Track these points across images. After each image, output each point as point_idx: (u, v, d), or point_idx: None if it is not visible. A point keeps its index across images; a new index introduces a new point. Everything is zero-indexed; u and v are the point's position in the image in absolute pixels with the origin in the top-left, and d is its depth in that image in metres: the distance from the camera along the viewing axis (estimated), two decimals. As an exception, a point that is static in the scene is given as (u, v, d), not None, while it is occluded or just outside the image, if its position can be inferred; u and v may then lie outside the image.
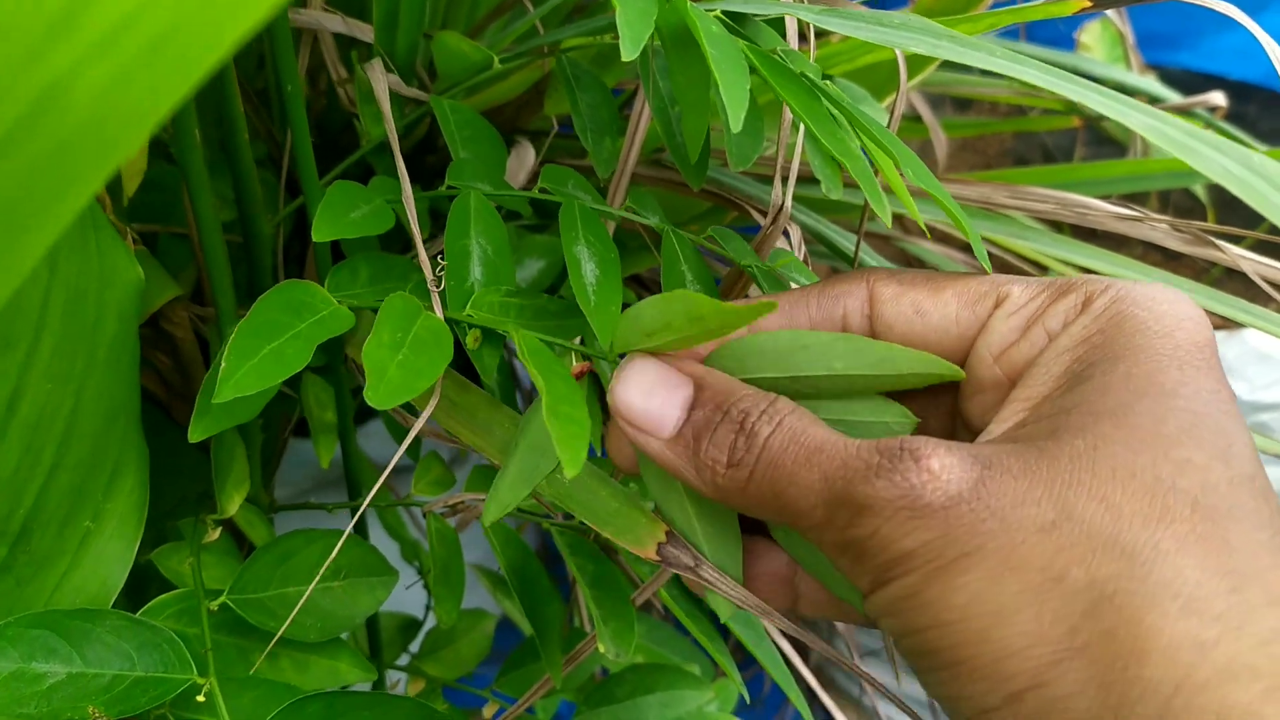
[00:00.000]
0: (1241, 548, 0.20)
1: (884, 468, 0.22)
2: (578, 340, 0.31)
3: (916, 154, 0.29)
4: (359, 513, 0.34)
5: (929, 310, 0.26)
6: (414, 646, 0.50)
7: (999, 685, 0.21)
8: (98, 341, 0.30)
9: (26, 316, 0.28)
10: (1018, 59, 0.24)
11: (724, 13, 0.29)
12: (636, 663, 0.48)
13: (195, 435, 0.30)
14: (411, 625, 0.51)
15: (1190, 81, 0.84)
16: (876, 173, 0.34)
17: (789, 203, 0.35)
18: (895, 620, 0.23)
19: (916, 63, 0.49)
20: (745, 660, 0.51)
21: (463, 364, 0.33)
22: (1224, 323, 0.62)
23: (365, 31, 0.41)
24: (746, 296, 0.36)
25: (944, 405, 0.28)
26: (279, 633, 0.32)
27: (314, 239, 0.31)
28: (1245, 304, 0.42)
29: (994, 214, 0.49)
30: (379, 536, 0.52)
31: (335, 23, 0.41)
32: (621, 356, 0.27)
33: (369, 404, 0.26)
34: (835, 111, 0.29)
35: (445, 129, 0.36)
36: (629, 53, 0.25)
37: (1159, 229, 0.39)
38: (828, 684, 0.81)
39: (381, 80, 0.35)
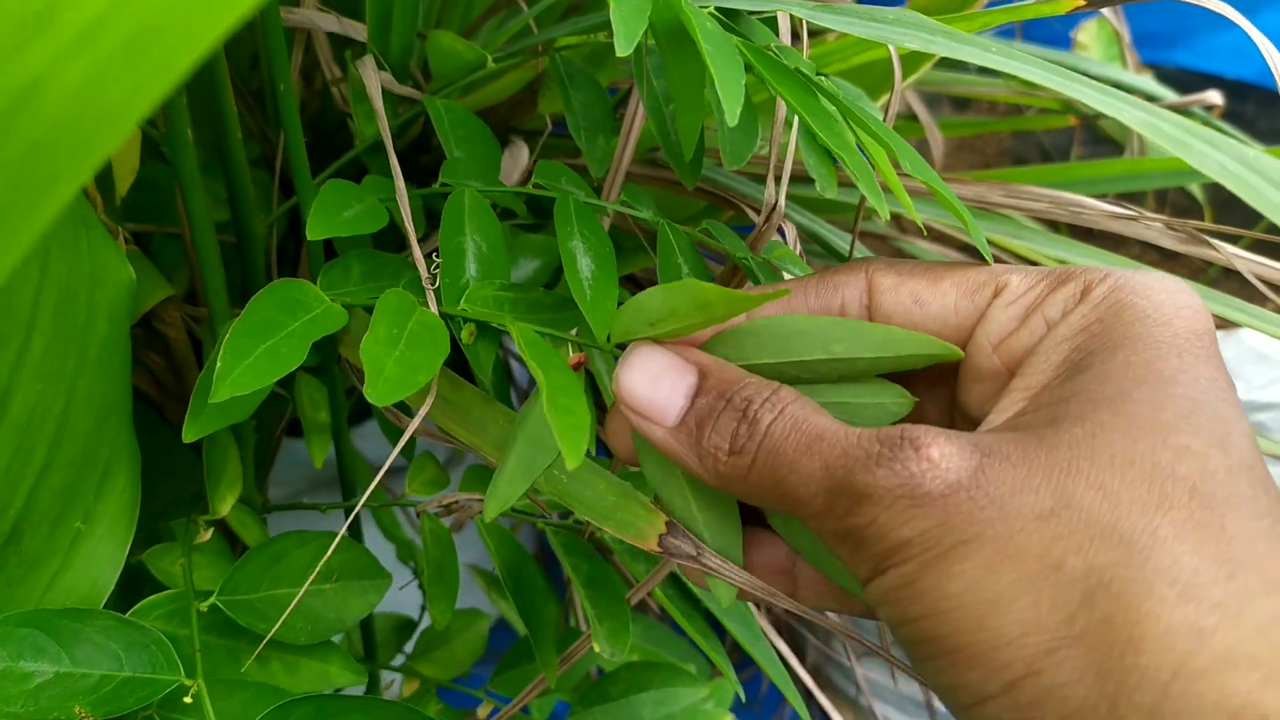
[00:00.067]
0: (1239, 535, 0.20)
1: (884, 456, 0.22)
2: (573, 333, 0.31)
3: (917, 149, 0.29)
4: (353, 514, 0.34)
5: (928, 300, 0.26)
6: (409, 647, 0.50)
7: (996, 673, 0.21)
8: (89, 341, 0.30)
9: (17, 316, 0.28)
10: (1012, 55, 0.24)
11: (718, 9, 0.29)
12: (631, 662, 0.48)
13: (190, 435, 0.30)
14: (407, 625, 0.51)
15: (1187, 80, 0.84)
16: (874, 170, 0.34)
17: (783, 201, 0.35)
18: (893, 609, 0.23)
19: (912, 61, 0.49)
20: (743, 660, 0.50)
21: (458, 364, 0.33)
22: (1221, 323, 0.62)
23: (359, 31, 0.41)
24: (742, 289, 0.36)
25: (943, 395, 0.28)
26: (268, 635, 0.32)
27: (308, 238, 0.30)
28: (1241, 304, 0.42)
29: (990, 213, 0.49)
30: (374, 537, 0.52)
31: (329, 22, 0.41)
32: (620, 347, 0.27)
33: (368, 400, 0.26)
34: (831, 107, 0.29)
35: (439, 128, 0.36)
36: (623, 49, 0.25)
37: (1154, 228, 0.39)
38: (825, 684, 0.81)
39: (374, 78, 0.35)
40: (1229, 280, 0.77)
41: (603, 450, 0.49)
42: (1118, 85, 0.24)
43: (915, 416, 0.27)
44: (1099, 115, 0.69)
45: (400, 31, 0.39)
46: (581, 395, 0.25)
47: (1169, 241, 0.39)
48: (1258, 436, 0.45)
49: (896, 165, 0.28)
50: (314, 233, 0.30)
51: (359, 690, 0.46)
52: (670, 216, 0.35)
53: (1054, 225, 0.63)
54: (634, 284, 0.52)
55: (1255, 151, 0.21)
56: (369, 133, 0.38)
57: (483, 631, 0.49)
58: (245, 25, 0.44)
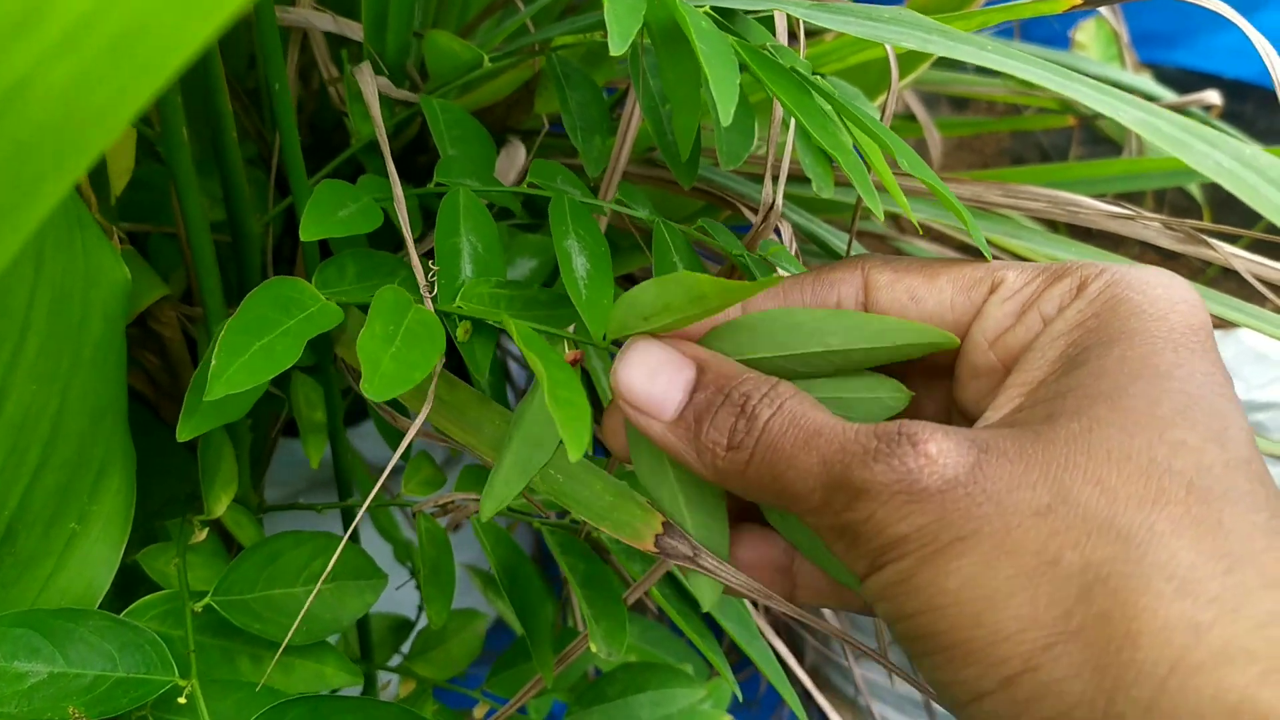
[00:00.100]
0: (1236, 530, 0.20)
1: (881, 452, 0.22)
2: (570, 330, 0.31)
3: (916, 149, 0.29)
4: (356, 520, 0.34)
5: (924, 296, 0.26)
6: (406, 647, 0.50)
7: (992, 669, 0.21)
8: (83, 341, 0.30)
9: (11, 316, 0.28)
10: (1008, 54, 0.24)
11: (713, 8, 0.29)
12: (629, 662, 0.48)
13: (184, 434, 0.30)
14: (403, 626, 0.51)
15: (1186, 80, 0.84)
16: (869, 170, 0.34)
17: (779, 201, 0.35)
18: (890, 605, 0.22)
19: (909, 61, 0.49)
20: (740, 660, 0.50)
21: (455, 365, 0.33)
22: (1220, 322, 0.62)
23: (355, 30, 0.41)
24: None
25: (940, 392, 0.28)
26: (265, 636, 0.32)
27: (302, 238, 0.30)
28: (1239, 303, 0.42)
29: (988, 213, 0.49)
30: (371, 537, 0.52)
31: (325, 21, 0.41)
32: (616, 344, 0.27)
33: (365, 396, 0.26)
34: (826, 106, 0.29)
35: (434, 127, 0.36)
36: (617, 48, 0.25)
37: (1151, 227, 0.39)
38: (823, 684, 0.81)
39: (369, 82, 0.35)
40: (1228, 280, 0.77)
41: (599, 450, 0.49)
42: (1116, 85, 0.24)
43: (912, 413, 0.27)
44: (1097, 115, 0.69)
45: (396, 31, 0.39)
46: (580, 388, 0.25)
47: (1167, 241, 0.39)
48: (1257, 436, 0.45)
49: (894, 164, 0.28)
50: (308, 233, 0.30)
51: (356, 691, 0.46)
52: (668, 216, 0.35)
53: (1053, 225, 0.63)
54: (631, 283, 0.52)
55: (1253, 149, 0.21)
56: (365, 132, 0.38)
57: (480, 632, 0.49)
58: (241, 24, 0.44)
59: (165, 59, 0.11)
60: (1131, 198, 0.79)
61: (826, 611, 0.65)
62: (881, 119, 0.38)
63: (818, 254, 0.46)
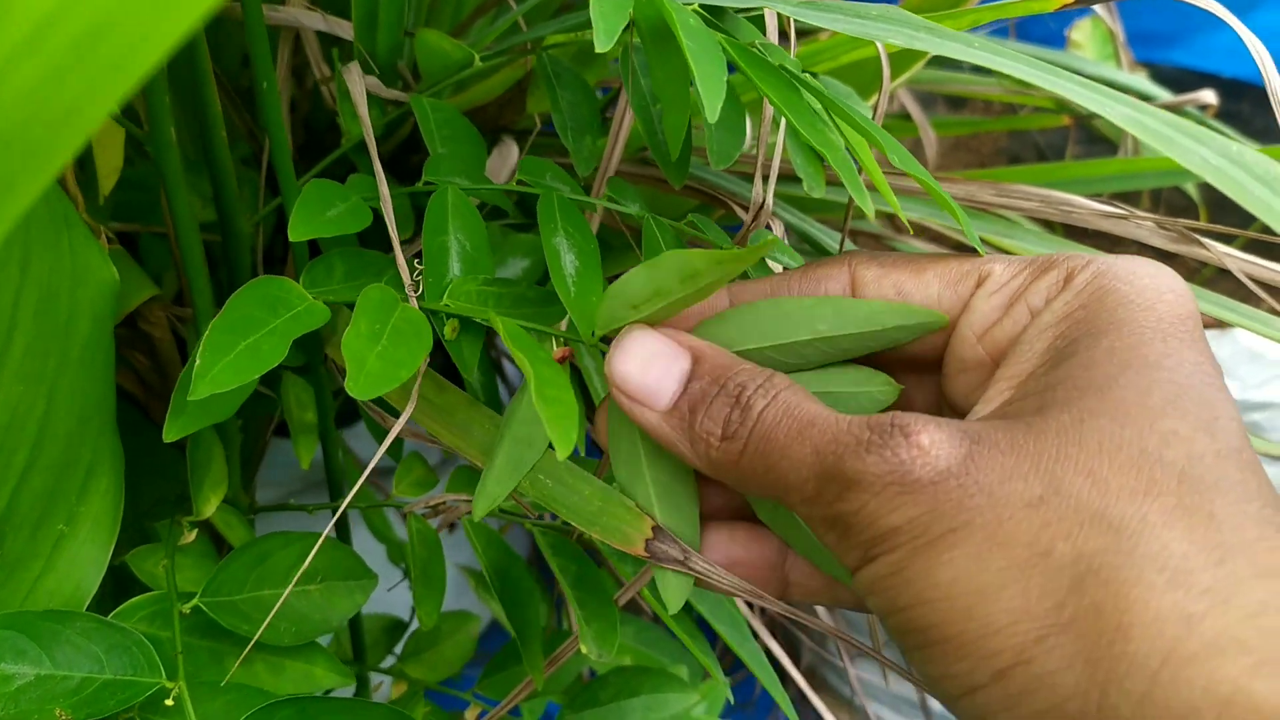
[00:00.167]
0: (1228, 520, 0.20)
1: (874, 443, 0.22)
2: (561, 326, 0.31)
3: (912, 148, 0.29)
4: (337, 514, 0.34)
5: (911, 291, 0.26)
6: (400, 648, 0.50)
7: (984, 662, 0.21)
8: (71, 341, 0.30)
9: (-3, 316, 0.28)
10: (996, 51, 0.24)
11: (702, 6, 0.29)
12: (623, 664, 0.47)
13: (171, 435, 0.30)
14: (397, 627, 0.51)
15: (1182, 79, 0.84)
16: (860, 170, 0.34)
17: (770, 200, 0.35)
18: (881, 598, 0.22)
19: (903, 60, 0.49)
20: (737, 662, 0.50)
21: (448, 367, 0.33)
22: (1215, 322, 0.61)
23: (346, 29, 0.41)
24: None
25: (929, 387, 0.28)
26: (254, 637, 0.31)
27: (290, 238, 0.30)
28: (1234, 303, 0.41)
29: (983, 213, 0.49)
30: (365, 538, 0.51)
31: (316, 20, 0.41)
32: (606, 340, 0.27)
33: (350, 394, 0.26)
34: (816, 104, 0.29)
35: (424, 126, 0.36)
36: (602, 45, 0.24)
37: (1145, 227, 0.39)
38: (820, 685, 0.81)
39: (357, 81, 0.35)
40: (1224, 280, 0.77)
41: (593, 451, 0.48)
42: (1111, 84, 0.24)
43: (902, 407, 0.27)
44: (1093, 115, 0.69)
45: (387, 30, 0.39)
46: (569, 386, 0.25)
47: (1160, 240, 0.39)
48: (1252, 436, 0.45)
49: (886, 162, 0.28)
50: (296, 233, 0.30)
51: (348, 692, 0.46)
52: (661, 215, 0.35)
53: (1050, 225, 0.63)
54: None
55: (1240, 147, 0.21)
56: (355, 132, 0.38)
57: (473, 633, 0.49)
58: (233, 23, 0.44)
59: (133, 59, 0.11)
60: (1128, 197, 0.79)
61: (821, 611, 0.65)
62: (874, 118, 0.38)
63: (810, 253, 0.46)
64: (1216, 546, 0.19)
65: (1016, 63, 0.23)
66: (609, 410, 0.28)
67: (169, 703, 0.29)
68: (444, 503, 0.40)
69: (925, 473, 0.21)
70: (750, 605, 0.59)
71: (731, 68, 0.28)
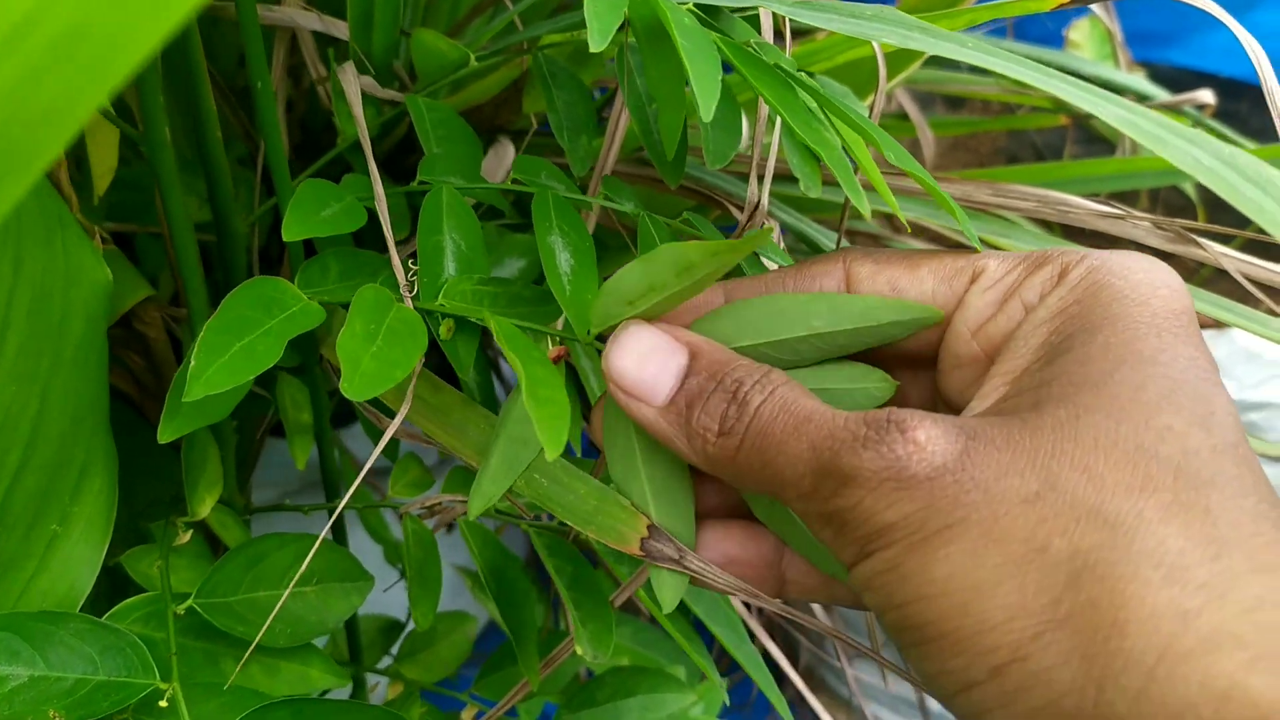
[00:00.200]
0: (1224, 515, 0.20)
1: (870, 439, 0.22)
2: (558, 325, 0.31)
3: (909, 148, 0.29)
4: (335, 515, 0.34)
5: (905, 287, 0.26)
6: (396, 649, 0.50)
7: (981, 659, 0.21)
8: (64, 342, 0.30)
9: (-10, 316, 0.28)
10: (989, 50, 0.24)
11: (697, 5, 0.29)
12: (620, 665, 0.47)
13: (165, 436, 0.30)
14: (393, 627, 0.51)
15: (1181, 79, 0.84)
16: (856, 170, 0.34)
17: (765, 200, 0.35)
18: (878, 594, 0.22)
19: (900, 59, 0.49)
20: (737, 663, 0.50)
21: (444, 368, 0.33)
22: (1212, 323, 0.61)
23: (341, 29, 0.41)
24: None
25: (925, 383, 0.28)
26: (249, 639, 0.31)
27: (284, 238, 0.30)
28: (1231, 304, 0.41)
29: (980, 213, 0.49)
30: (362, 539, 0.51)
31: (312, 20, 0.41)
32: (601, 338, 0.27)
33: (345, 395, 0.26)
34: (811, 103, 0.29)
35: (419, 126, 0.36)
36: (596, 44, 0.24)
37: (1141, 227, 0.39)
38: (818, 686, 0.81)
39: (352, 81, 0.35)
40: (1223, 281, 0.77)
41: (589, 451, 0.48)
42: (1108, 84, 0.24)
43: (897, 404, 0.27)
44: (1090, 115, 0.69)
45: (382, 30, 0.39)
46: (562, 387, 0.25)
47: (1157, 240, 0.38)
48: (1250, 437, 0.45)
49: (883, 162, 0.28)
50: (290, 233, 0.30)
51: (344, 693, 0.46)
52: (657, 215, 0.35)
53: (1048, 225, 0.63)
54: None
55: (1232, 149, 0.20)
56: (351, 132, 0.38)
57: (469, 634, 0.49)
58: (229, 24, 0.44)
59: (113, 60, 0.11)
60: (1126, 197, 0.79)
61: (819, 611, 0.65)
62: (870, 117, 0.38)
63: (807, 253, 0.46)
64: (1212, 542, 0.19)
65: (1010, 62, 0.23)
66: (605, 408, 0.28)
67: (163, 704, 0.29)
68: (440, 503, 0.39)
69: (921, 469, 0.21)
70: (748, 606, 0.59)
71: (728, 67, 0.28)
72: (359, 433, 0.65)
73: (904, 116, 0.69)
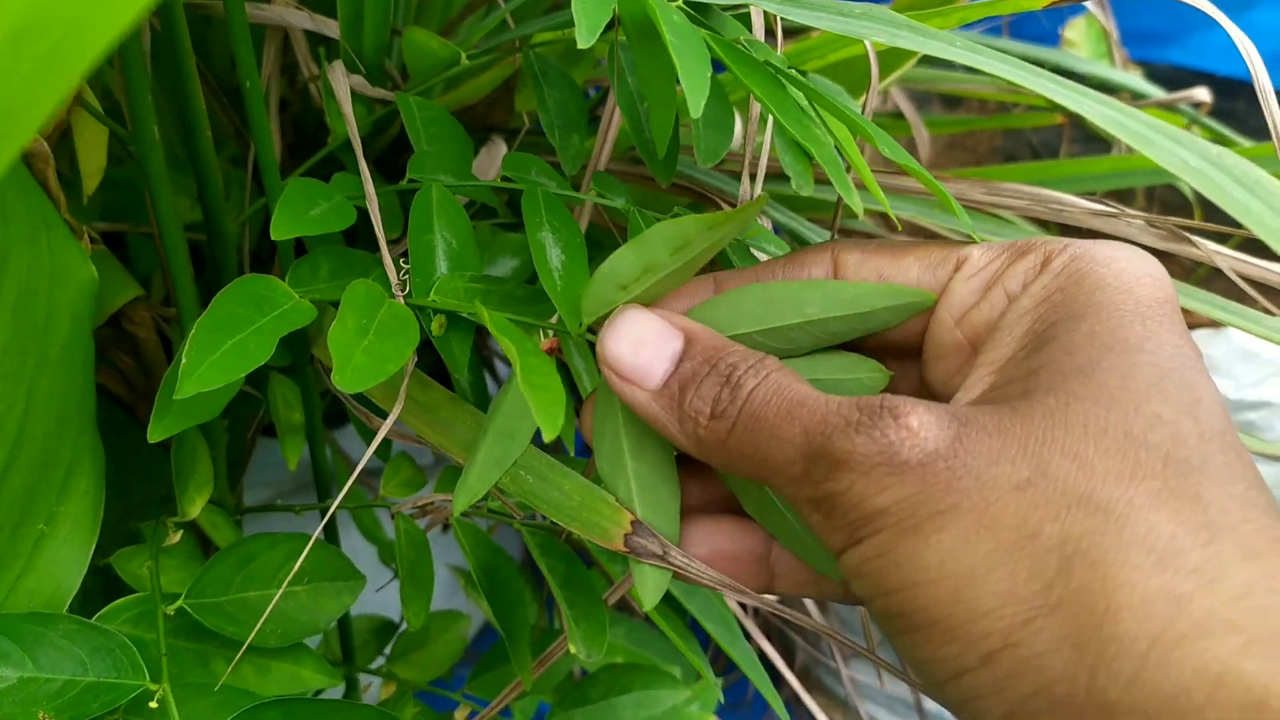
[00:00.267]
0: (1214, 502, 0.20)
1: (863, 424, 0.22)
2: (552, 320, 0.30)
3: (905, 148, 0.29)
4: (327, 516, 0.34)
5: (891, 276, 0.26)
6: (390, 649, 0.50)
7: (972, 646, 0.21)
8: (49, 341, 0.30)
9: (-25, 316, 0.28)
10: (977, 49, 0.24)
11: (687, 3, 0.29)
12: (613, 663, 0.47)
13: (155, 435, 0.30)
14: (387, 628, 0.51)
15: (1177, 78, 0.84)
16: (849, 168, 0.34)
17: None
18: (868, 581, 0.22)
19: (894, 58, 0.49)
20: (734, 663, 0.50)
21: (438, 368, 0.33)
22: (1208, 322, 0.61)
23: (332, 28, 0.40)
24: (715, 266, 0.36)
25: (910, 375, 0.28)
26: (239, 639, 0.31)
27: (271, 236, 0.30)
28: (1227, 302, 0.41)
29: (975, 211, 0.49)
30: (356, 540, 0.51)
31: (302, 19, 0.40)
32: (593, 331, 0.27)
33: (336, 388, 0.26)
34: (802, 100, 0.29)
35: (409, 124, 0.36)
36: (584, 41, 0.24)
37: (1135, 225, 0.39)
38: (814, 686, 0.81)
39: (342, 80, 0.34)
40: (1220, 280, 0.77)
41: (583, 452, 0.48)
42: (1103, 82, 0.24)
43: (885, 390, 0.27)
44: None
45: (373, 28, 0.39)
46: (555, 373, 0.25)
47: (1150, 238, 0.38)
48: (1247, 436, 0.45)
49: (877, 161, 0.28)
50: (278, 231, 0.30)
51: (337, 693, 0.46)
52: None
53: (1044, 224, 0.62)
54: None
55: (1220, 149, 0.20)
56: (341, 131, 0.37)
57: (463, 633, 0.49)
58: (223, 23, 0.44)
59: (72, 53, 0.11)
60: (1122, 196, 0.79)
61: (815, 611, 0.65)
62: (862, 113, 0.38)
63: (801, 252, 0.46)
64: (1204, 528, 0.19)
65: (997, 60, 0.23)
66: (595, 403, 0.28)
67: (153, 705, 0.29)
68: (432, 503, 0.39)
69: (914, 454, 0.21)
70: (743, 606, 0.59)
71: (721, 66, 0.28)
72: (353, 433, 0.65)
73: (900, 115, 0.69)
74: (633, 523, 0.27)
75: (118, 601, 0.32)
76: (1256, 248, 0.47)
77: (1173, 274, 0.39)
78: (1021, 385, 0.22)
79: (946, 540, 0.21)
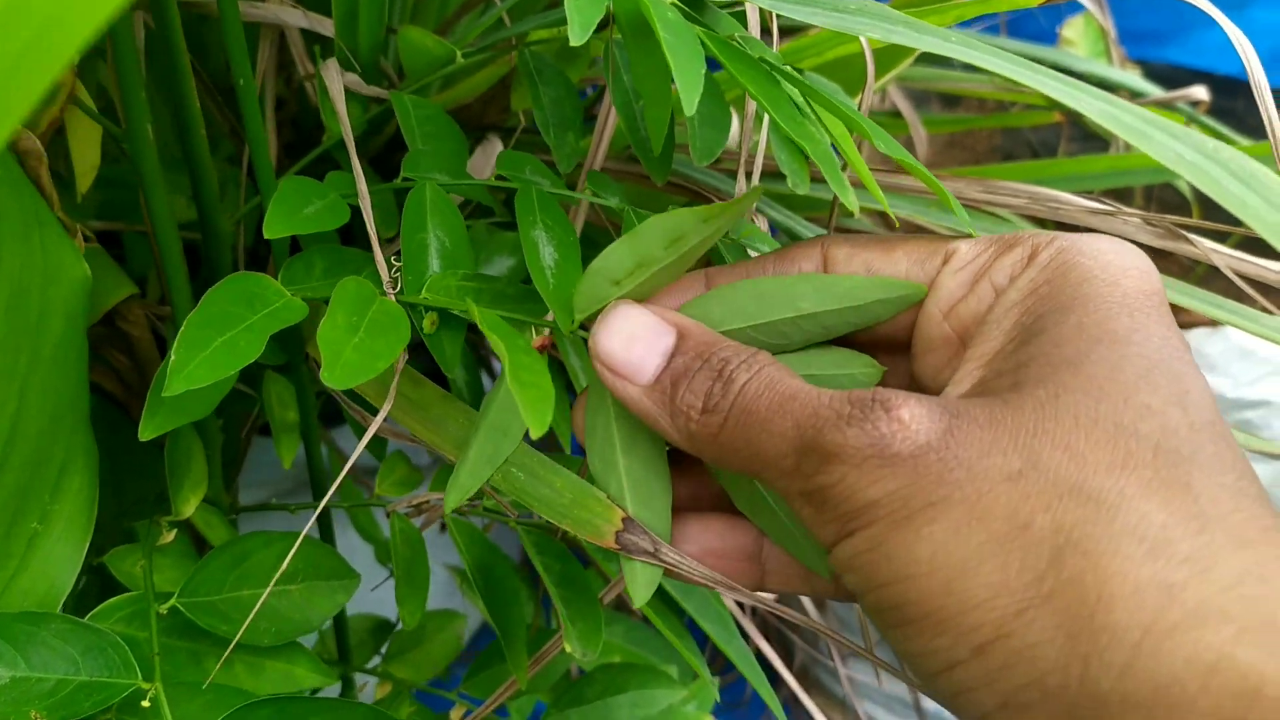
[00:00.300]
0: (1205, 492, 0.20)
1: (855, 416, 0.22)
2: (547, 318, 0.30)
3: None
4: (316, 513, 0.34)
5: (880, 269, 0.27)
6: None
7: (964, 638, 0.21)
8: (42, 339, 0.29)
9: (-32, 314, 0.28)
10: (973, 45, 0.24)
11: (682, 0, 0.29)
12: (610, 663, 0.47)
13: (146, 433, 0.30)
14: (384, 627, 0.51)
15: (1176, 76, 0.83)
16: (844, 166, 0.34)
17: (753, 196, 0.34)
18: (860, 574, 0.22)
19: (891, 56, 0.48)
20: (732, 663, 0.50)
21: (432, 369, 0.33)
22: (1206, 320, 0.61)
23: (326, 26, 0.40)
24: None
25: (899, 370, 0.28)
26: (232, 638, 0.31)
27: (265, 235, 0.30)
28: (1224, 300, 0.41)
29: (972, 210, 0.49)
30: (354, 539, 0.51)
31: (297, 17, 0.40)
32: (585, 327, 0.27)
33: (325, 384, 0.26)
34: (797, 97, 0.29)
35: (404, 123, 0.35)
36: (577, 38, 0.24)
37: (1131, 223, 0.38)
38: (813, 685, 0.81)
39: (335, 77, 0.34)
40: (1219, 279, 0.77)
41: (578, 451, 0.48)
42: (1101, 81, 0.24)
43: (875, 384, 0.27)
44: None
45: (368, 26, 0.39)
46: (546, 372, 0.25)
47: (1146, 236, 0.38)
48: (1245, 434, 0.45)
49: (874, 160, 0.28)
50: (271, 230, 0.30)
51: (334, 692, 0.46)
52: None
53: (1040, 222, 0.62)
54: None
55: (1216, 143, 0.20)
56: (336, 129, 0.37)
57: (459, 632, 0.48)
58: (218, 22, 0.43)
59: (54, 45, 0.11)
60: (1121, 195, 0.79)
61: (813, 611, 0.65)
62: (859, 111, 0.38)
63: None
64: (1195, 517, 0.19)
65: (992, 55, 0.23)
66: (587, 401, 0.28)
67: (146, 704, 0.29)
68: (427, 501, 0.39)
69: (905, 446, 0.21)
70: (741, 606, 0.59)
71: (717, 65, 0.28)
72: (349, 432, 0.65)
73: (898, 114, 0.69)
74: (624, 519, 0.27)
75: (111, 600, 0.32)
76: (1255, 246, 0.47)
77: (1171, 273, 0.39)
78: (1011, 378, 0.22)
79: (938, 532, 0.21)
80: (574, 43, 0.24)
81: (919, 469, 0.21)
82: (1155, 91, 0.69)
